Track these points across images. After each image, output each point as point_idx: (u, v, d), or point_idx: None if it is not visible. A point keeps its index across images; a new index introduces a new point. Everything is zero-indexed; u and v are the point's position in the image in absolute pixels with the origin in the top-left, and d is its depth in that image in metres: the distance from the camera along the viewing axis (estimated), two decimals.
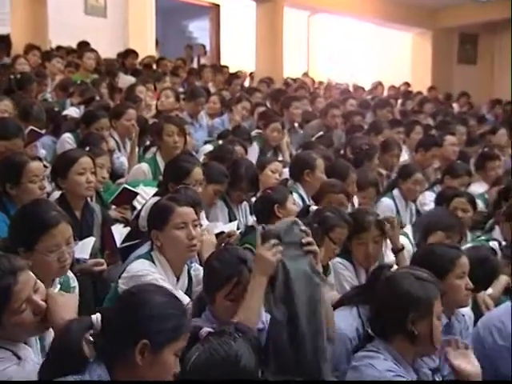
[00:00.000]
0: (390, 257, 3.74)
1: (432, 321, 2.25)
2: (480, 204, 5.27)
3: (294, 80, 11.19)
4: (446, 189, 4.98)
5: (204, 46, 13.15)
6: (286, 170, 4.96)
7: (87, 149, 3.92)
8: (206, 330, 1.90)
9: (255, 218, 4.00)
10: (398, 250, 3.63)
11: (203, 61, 12.18)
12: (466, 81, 12.74)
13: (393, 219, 3.71)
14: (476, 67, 13.64)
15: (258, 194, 4.29)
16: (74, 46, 9.29)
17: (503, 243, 4.25)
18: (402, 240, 3.92)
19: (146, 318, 1.76)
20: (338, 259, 3.51)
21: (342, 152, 5.96)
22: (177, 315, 1.81)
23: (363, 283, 2.97)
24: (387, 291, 2.31)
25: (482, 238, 4.44)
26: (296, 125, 7.02)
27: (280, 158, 5.45)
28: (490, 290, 3.47)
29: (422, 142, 6.20)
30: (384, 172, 5.73)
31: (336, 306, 2.78)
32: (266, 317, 2.49)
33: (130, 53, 9.44)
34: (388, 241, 3.69)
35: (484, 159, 6.14)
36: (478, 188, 5.75)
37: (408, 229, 4.32)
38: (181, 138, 4.56)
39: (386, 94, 11.22)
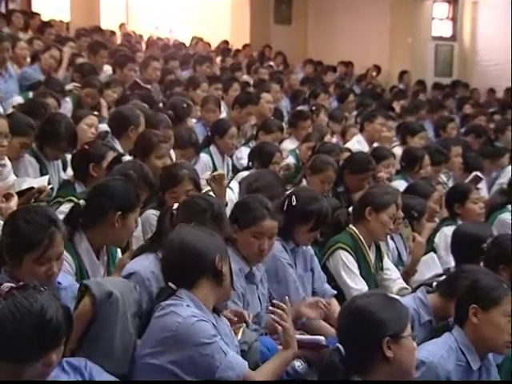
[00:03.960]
0: None
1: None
2: (291, 159, 5.58)
3: (112, 32, 10.85)
4: (264, 144, 5.15)
5: None
6: (103, 126, 4.88)
7: None
8: (8, 284, 1.84)
9: (72, 173, 3.92)
10: None
11: (12, 6, 11.30)
12: (282, 40, 13.17)
13: (219, 175, 3.81)
14: (291, 28, 14.12)
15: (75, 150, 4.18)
16: None
17: None
18: (229, 195, 4.04)
19: None
20: (152, 211, 3.56)
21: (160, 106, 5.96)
22: None
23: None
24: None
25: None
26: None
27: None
28: None
29: (238, 99, 6.35)
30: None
31: (137, 253, 2.86)
32: None
33: None
34: None
35: (296, 117, 6.47)
36: (289, 144, 6.08)
37: (233, 184, 4.45)
38: None
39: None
